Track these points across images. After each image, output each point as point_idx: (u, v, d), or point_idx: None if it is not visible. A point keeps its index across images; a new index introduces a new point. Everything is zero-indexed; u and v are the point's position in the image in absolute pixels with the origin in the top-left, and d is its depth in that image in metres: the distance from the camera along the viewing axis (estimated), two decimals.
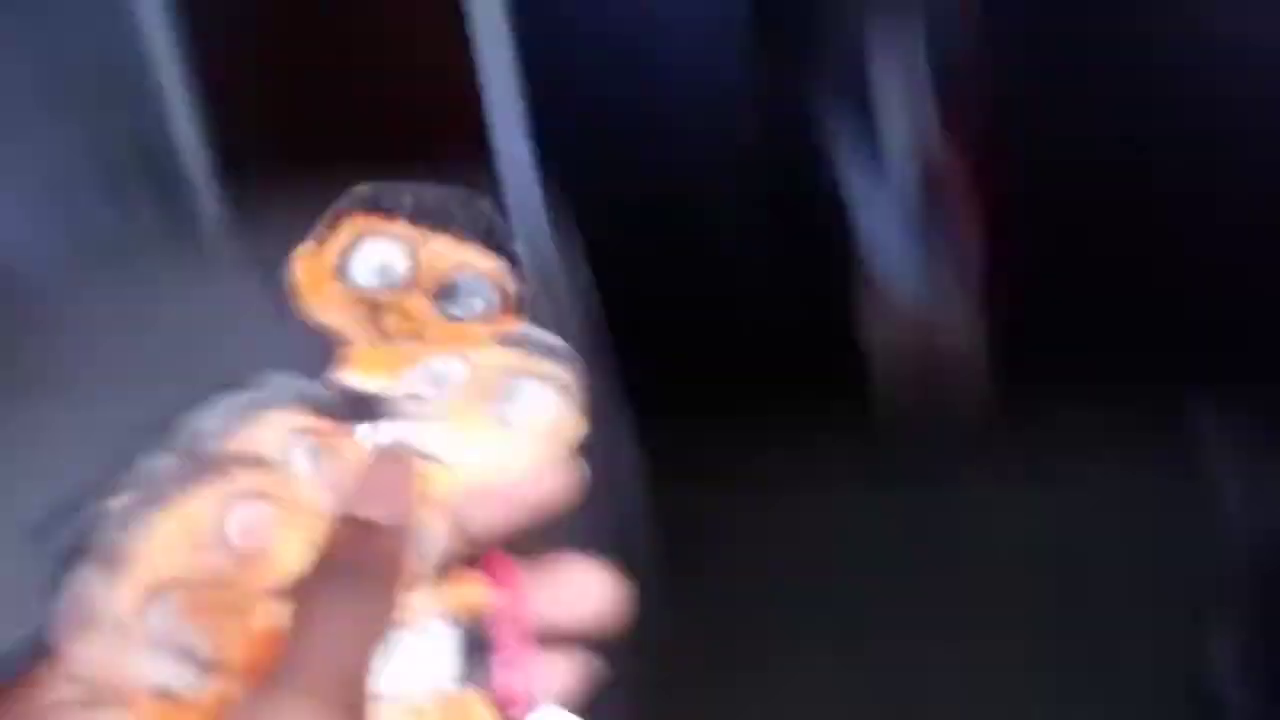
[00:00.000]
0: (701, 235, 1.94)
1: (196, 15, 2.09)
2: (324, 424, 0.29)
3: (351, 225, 0.31)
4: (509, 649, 0.29)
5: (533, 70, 1.95)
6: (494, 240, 0.32)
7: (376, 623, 0.27)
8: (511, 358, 0.31)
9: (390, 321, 0.31)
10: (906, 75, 1.80)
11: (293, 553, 0.27)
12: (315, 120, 2.09)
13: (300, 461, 0.28)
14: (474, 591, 0.29)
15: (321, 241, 0.31)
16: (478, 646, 0.29)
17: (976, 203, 1.80)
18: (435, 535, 0.29)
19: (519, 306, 0.32)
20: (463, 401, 0.31)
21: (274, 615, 0.26)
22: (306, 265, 0.31)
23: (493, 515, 0.30)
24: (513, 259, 0.32)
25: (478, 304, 0.31)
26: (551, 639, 0.30)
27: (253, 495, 0.27)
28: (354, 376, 0.30)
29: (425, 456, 0.30)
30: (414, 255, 0.31)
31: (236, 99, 2.13)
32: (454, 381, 0.31)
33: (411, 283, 0.31)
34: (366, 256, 0.31)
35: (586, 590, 0.30)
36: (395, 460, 0.29)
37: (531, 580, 0.30)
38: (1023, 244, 1.78)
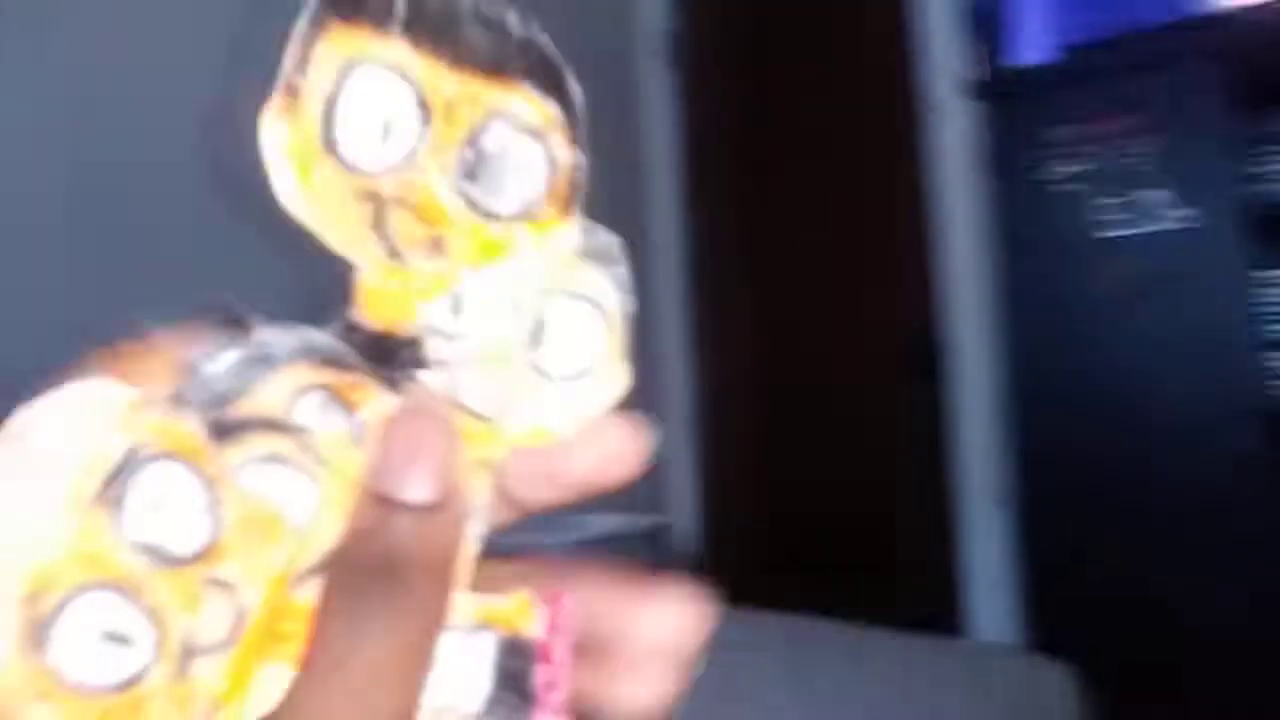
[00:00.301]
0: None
1: None
2: (336, 377, 0.22)
3: (332, 47, 0.21)
4: (555, 697, 0.22)
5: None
6: (541, 73, 0.22)
7: (423, 644, 0.21)
8: (553, 272, 0.22)
9: (399, 225, 0.22)
10: None
11: (326, 523, 0.21)
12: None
13: (311, 420, 0.21)
14: (519, 609, 0.23)
15: (293, 89, 0.21)
16: (515, 678, 0.22)
17: None
18: (482, 512, 0.22)
19: (570, 191, 0.22)
20: (494, 341, 0.22)
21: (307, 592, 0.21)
22: (285, 134, 0.21)
23: (540, 484, 0.24)
24: (568, 107, 0.22)
25: (518, 185, 0.22)
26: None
27: (270, 459, 0.21)
28: (365, 317, 0.22)
29: (462, 411, 0.22)
30: (422, 96, 0.21)
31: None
32: (481, 313, 0.22)
33: (422, 150, 0.21)
34: (360, 101, 0.21)
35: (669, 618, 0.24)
36: (429, 417, 0.22)
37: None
38: None
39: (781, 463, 2.24)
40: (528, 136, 0.22)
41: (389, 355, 0.22)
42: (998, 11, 1.90)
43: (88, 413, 0.20)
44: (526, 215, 0.22)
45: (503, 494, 0.24)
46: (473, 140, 0.22)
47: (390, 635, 0.20)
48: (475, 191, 0.22)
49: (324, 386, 0.22)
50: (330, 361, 0.22)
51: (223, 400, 0.21)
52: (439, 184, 0.22)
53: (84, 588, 0.19)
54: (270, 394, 0.21)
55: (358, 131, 0.21)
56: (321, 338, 0.22)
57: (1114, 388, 1.67)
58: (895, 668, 1.24)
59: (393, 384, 0.22)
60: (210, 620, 0.20)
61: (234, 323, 0.21)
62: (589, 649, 0.24)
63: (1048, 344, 1.75)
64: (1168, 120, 1.66)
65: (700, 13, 2.40)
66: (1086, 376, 1.70)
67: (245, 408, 0.21)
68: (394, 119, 0.21)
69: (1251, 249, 1.59)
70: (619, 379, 0.23)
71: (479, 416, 0.23)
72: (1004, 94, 1.85)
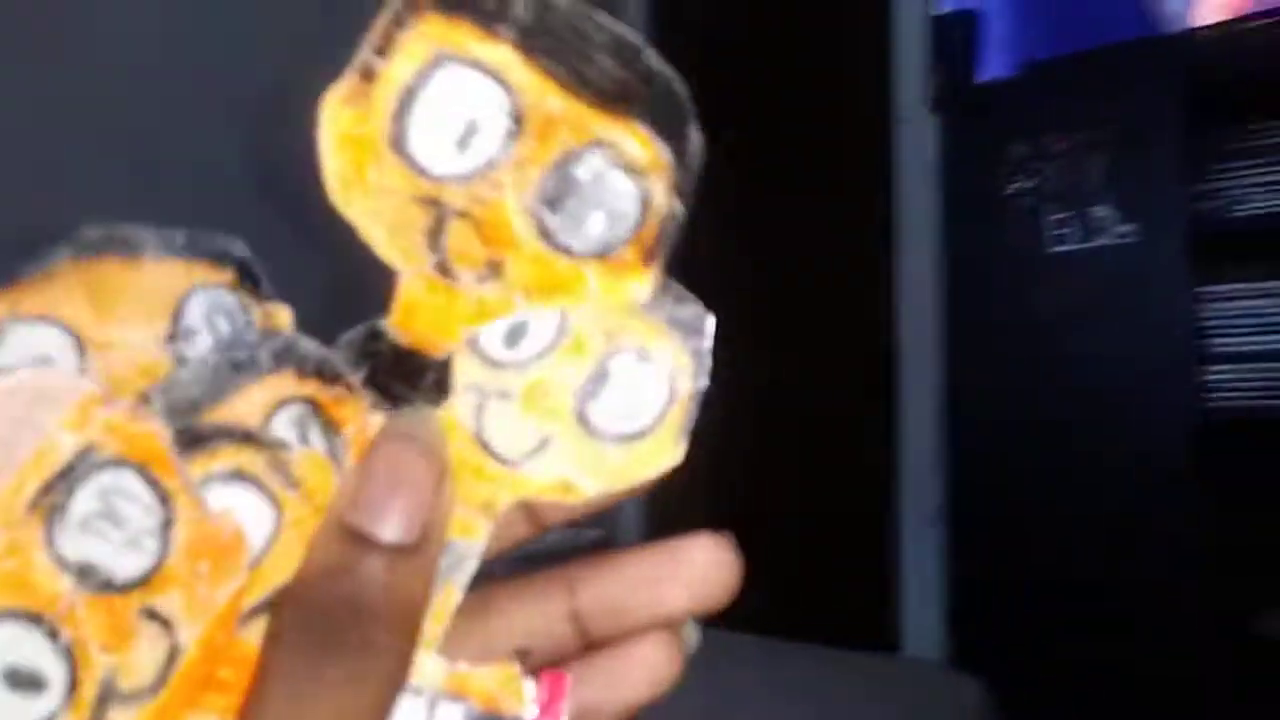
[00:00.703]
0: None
1: None
2: (321, 390, 0.19)
3: (423, 37, 0.19)
4: None
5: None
6: (663, 113, 0.19)
7: (378, 711, 0.18)
8: (628, 325, 0.20)
9: (457, 240, 0.20)
10: None
11: (286, 555, 0.19)
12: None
13: (287, 435, 0.19)
14: (503, 682, 0.20)
15: (368, 73, 0.19)
16: None
17: None
18: (469, 556, 0.20)
19: (658, 241, 0.20)
20: (544, 382, 0.20)
21: (251, 633, 0.19)
22: (347, 120, 0.19)
23: (558, 513, 0.22)
24: (681, 154, 0.20)
25: (602, 223, 0.20)
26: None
27: (235, 476, 0.19)
28: (396, 328, 0.20)
29: (473, 444, 0.20)
30: (518, 107, 0.19)
31: None
32: (537, 348, 0.20)
33: (504, 164, 0.19)
34: (443, 99, 0.19)
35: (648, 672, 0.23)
36: (418, 446, 0.19)
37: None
38: None
39: (728, 476, 2.25)
40: (625, 173, 0.20)
41: (413, 374, 0.20)
42: (964, 25, 1.91)
43: (37, 403, 0.17)
44: (602, 256, 0.20)
45: (525, 508, 0.22)
46: (564, 164, 0.19)
47: (342, 699, 0.18)
48: (552, 220, 0.20)
49: (307, 399, 0.19)
50: (318, 372, 0.20)
51: (196, 406, 0.18)
52: (513, 204, 0.19)
53: None
54: (247, 403, 0.19)
55: (434, 131, 0.19)
56: (310, 344, 0.20)
57: (1053, 402, 1.68)
58: (804, 681, 1.25)
59: (398, 403, 0.20)
60: (138, 661, 0.17)
61: (242, 272, 0.19)
62: (608, 640, 0.23)
63: (991, 360, 1.76)
64: (1120, 137, 1.67)
65: (669, 23, 2.42)
66: (1026, 391, 1.71)
67: (218, 415, 0.19)
68: (478, 125, 0.19)
69: (1195, 265, 1.59)
70: (670, 456, 0.21)
71: (498, 457, 0.21)
72: (964, 108, 1.86)
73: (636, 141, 0.19)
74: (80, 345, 0.18)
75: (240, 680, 0.18)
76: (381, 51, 0.19)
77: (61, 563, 0.17)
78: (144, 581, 0.17)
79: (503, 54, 0.19)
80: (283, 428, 0.19)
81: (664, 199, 0.20)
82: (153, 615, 0.17)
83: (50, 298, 0.18)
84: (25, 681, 0.16)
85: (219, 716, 0.18)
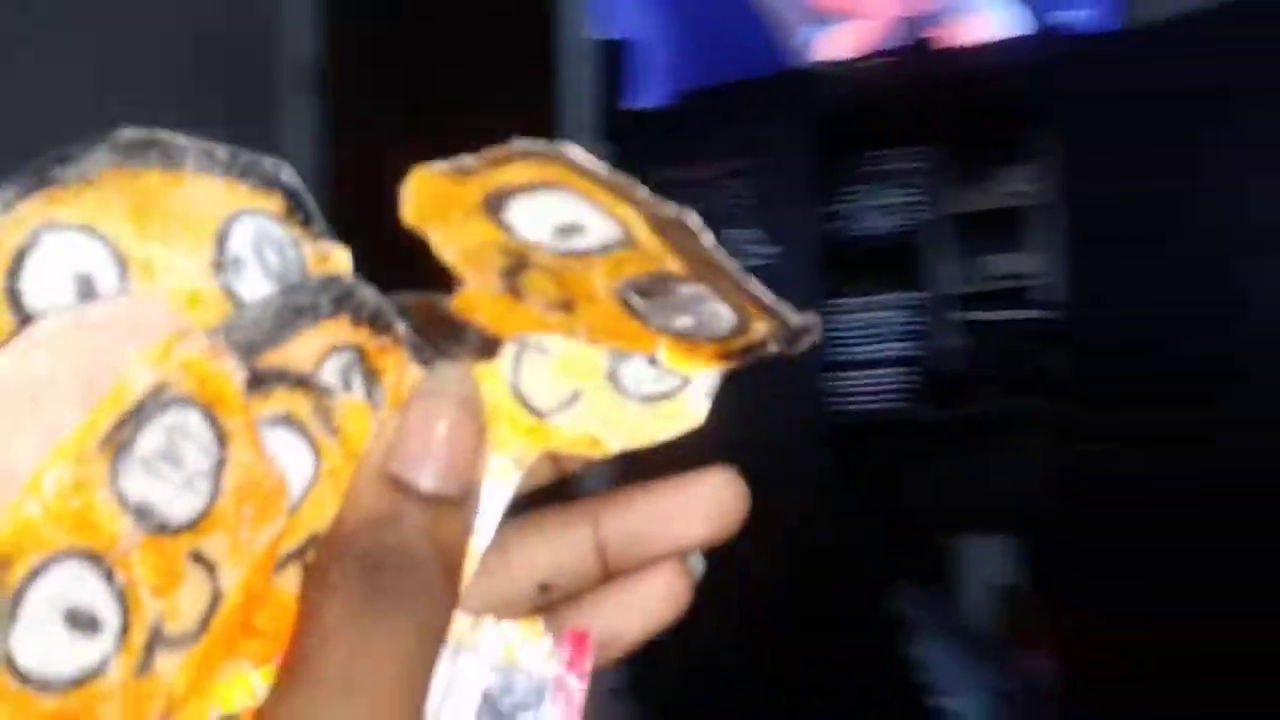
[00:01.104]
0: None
1: None
2: (370, 339, 0.20)
3: (530, 169, 0.20)
4: None
5: None
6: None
7: (433, 658, 0.18)
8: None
9: (535, 281, 0.21)
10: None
11: (321, 502, 0.19)
12: None
13: (334, 381, 0.19)
14: (526, 635, 0.21)
15: (469, 172, 0.20)
16: (513, 713, 0.20)
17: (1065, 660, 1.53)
18: (497, 504, 0.21)
19: (737, 353, 0.22)
20: (577, 350, 0.21)
21: (283, 581, 0.18)
22: (437, 189, 0.20)
23: (579, 461, 0.23)
24: (777, 324, 0.21)
25: (688, 322, 0.21)
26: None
27: (284, 420, 0.18)
28: (452, 308, 0.21)
29: (508, 392, 0.21)
30: (629, 232, 0.20)
31: None
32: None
33: (598, 261, 0.20)
34: (547, 209, 0.20)
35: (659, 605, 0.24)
36: (460, 402, 0.20)
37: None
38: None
39: None
40: (728, 307, 0.21)
41: (458, 332, 0.21)
42: (621, 54, 2.00)
43: (124, 336, 0.16)
44: (676, 337, 0.21)
45: (549, 454, 0.23)
46: (665, 277, 0.20)
47: (402, 646, 0.18)
48: (638, 301, 0.21)
49: (356, 347, 0.20)
50: (372, 320, 0.20)
51: (255, 348, 0.18)
52: (601, 280, 0.20)
53: (60, 555, 0.15)
54: (302, 347, 0.19)
55: (530, 217, 0.20)
56: (369, 292, 0.20)
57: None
58: None
59: (443, 355, 0.20)
60: (184, 605, 0.17)
61: (292, 202, 0.19)
62: (624, 568, 0.24)
63: None
64: (759, 164, 1.79)
65: (345, 39, 2.38)
66: None
67: (274, 358, 0.18)
68: (577, 227, 0.20)
69: (826, 280, 1.74)
70: (692, 418, 0.23)
71: (531, 407, 0.22)
72: (620, 135, 1.94)
73: (747, 304, 0.20)
74: (121, 262, 0.17)
75: (275, 626, 0.18)
76: (493, 164, 0.19)
77: (122, 502, 0.16)
78: (194, 524, 0.17)
79: (611, 201, 0.20)
80: (330, 374, 0.19)
81: (761, 330, 0.21)
82: (198, 559, 0.17)
83: (90, 207, 0.17)
84: (83, 623, 0.16)
85: (254, 662, 0.18)
